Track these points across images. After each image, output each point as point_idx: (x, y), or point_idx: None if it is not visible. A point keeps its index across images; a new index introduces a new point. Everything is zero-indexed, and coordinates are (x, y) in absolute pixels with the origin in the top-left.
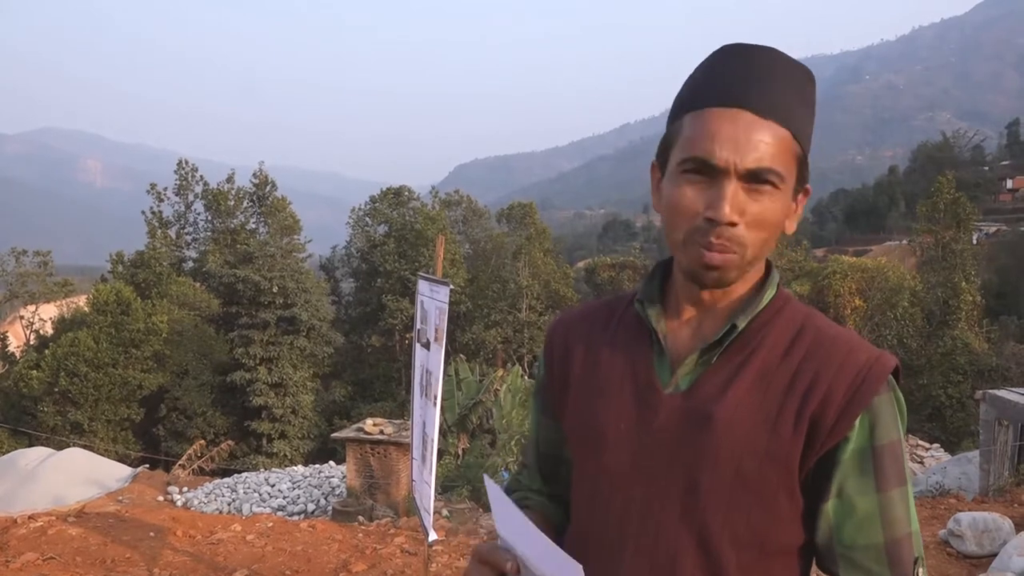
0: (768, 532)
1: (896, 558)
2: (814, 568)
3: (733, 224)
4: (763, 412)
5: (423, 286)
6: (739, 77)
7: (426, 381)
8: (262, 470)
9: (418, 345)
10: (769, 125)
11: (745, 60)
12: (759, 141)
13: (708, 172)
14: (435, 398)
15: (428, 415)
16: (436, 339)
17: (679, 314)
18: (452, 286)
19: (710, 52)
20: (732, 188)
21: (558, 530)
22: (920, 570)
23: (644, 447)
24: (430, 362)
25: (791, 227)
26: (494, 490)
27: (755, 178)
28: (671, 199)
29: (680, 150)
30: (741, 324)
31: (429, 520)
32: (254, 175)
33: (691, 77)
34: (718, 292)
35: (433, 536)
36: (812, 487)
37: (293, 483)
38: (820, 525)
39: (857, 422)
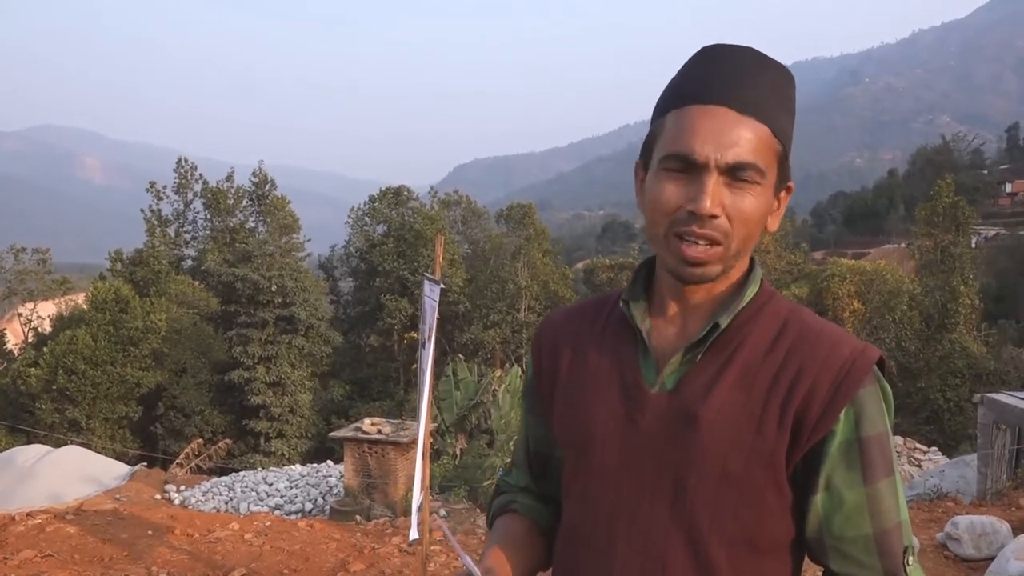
0: (757, 528)
1: (885, 548)
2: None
3: (714, 216)
4: (748, 410)
5: (426, 287)
6: (719, 75)
7: (420, 380)
8: (260, 469)
9: (421, 346)
10: (748, 121)
11: (725, 59)
12: (739, 137)
13: (689, 168)
14: (424, 396)
15: (420, 413)
16: (429, 337)
17: (664, 312)
18: (443, 285)
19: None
20: (712, 182)
21: (546, 532)
22: (910, 558)
23: (632, 446)
24: (422, 360)
25: (773, 224)
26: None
27: (735, 173)
28: (652, 195)
29: (662, 147)
30: (724, 322)
31: (414, 518)
32: (253, 174)
33: (674, 77)
34: (701, 289)
35: (415, 535)
36: (800, 481)
37: (291, 482)
38: (809, 518)
39: (842, 415)
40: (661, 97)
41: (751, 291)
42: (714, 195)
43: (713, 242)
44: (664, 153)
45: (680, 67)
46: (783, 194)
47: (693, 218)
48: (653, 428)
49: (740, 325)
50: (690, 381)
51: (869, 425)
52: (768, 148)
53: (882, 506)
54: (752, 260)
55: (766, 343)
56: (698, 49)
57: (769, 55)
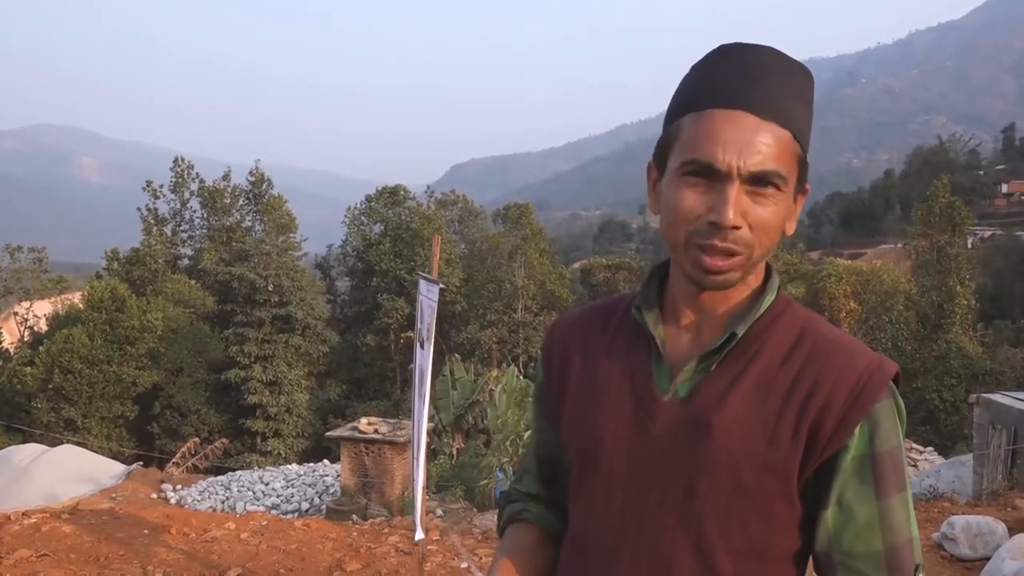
0: (765, 539)
1: (895, 565)
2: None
3: (736, 228)
4: (761, 421)
5: (422, 286)
6: (739, 77)
7: (419, 380)
8: (256, 468)
9: (417, 345)
10: (770, 127)
11: (744, 60)
12: (761, 143)
13: (710, 175)
14: (424, 397)
15: (419, 413)
16: (428, 338)
17: (678, 319)
18: (443, 286)
19: (707, 52)
20: (735, 191)
21: (556, 541)
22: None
23: (642, 454)
24: (422, 361)
25: (791, 228)
26: None
27: (758, 181)
28: (671, 202)
29: (681, 152)
30: (740, 332)
31: (418, 518)
32: (250, 173)
33: (689, 77)
34: (718, 296)
35: (420, 535)
36: (811, 494)
37: (287, 481)
38: (819, 532)
39: (857, 429)
40: (677, 96)
41: (768, 300)
42: (736, 205)
43: (736, 253)
44: (684, 159)
45: (695, 65)
46: (800, 196)
47: (715, 229)
48: (664, 436)
49: (756, 334)
50: (704, 390)
51: (883, 440)
52: (789, 153)
53: (894, 522)
54: (769, 268)
55: (782, 353)
56: (715, 47)
57: (786, 54)
